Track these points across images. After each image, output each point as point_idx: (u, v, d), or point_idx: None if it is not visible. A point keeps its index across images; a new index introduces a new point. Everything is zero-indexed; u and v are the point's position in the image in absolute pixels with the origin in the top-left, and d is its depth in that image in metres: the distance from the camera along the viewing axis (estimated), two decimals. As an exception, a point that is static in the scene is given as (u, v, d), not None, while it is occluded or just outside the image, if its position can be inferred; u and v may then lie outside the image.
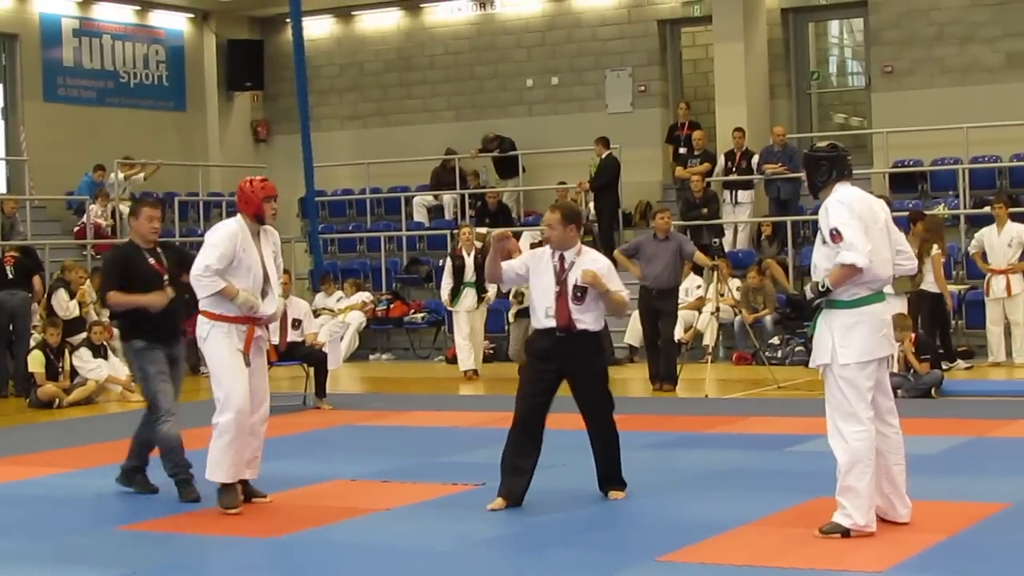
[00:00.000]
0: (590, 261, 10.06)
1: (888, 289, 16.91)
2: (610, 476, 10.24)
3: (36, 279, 19.99)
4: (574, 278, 9.92)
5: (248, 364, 10.13)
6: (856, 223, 8.43)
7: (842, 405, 8.53)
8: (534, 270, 10.14)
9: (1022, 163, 22.39)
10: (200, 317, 10.24)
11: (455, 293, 19.87)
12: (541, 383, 9.98)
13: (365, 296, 23.75)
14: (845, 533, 8.51)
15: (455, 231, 24.64)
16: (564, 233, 10.05)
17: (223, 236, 10.06)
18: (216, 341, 10.11)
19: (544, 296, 10.00)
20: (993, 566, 7.96)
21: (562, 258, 10.05)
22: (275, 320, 10.83)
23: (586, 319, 9.96)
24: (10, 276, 19.36)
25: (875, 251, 8.48)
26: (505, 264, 10.38)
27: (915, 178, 23.03)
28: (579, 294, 9.92)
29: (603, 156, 23.36)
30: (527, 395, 10.02)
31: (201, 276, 9.94)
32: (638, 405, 15.85)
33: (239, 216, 10.26)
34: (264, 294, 10.19)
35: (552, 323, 9.95)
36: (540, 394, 9.96)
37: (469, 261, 19.68)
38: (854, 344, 8.50)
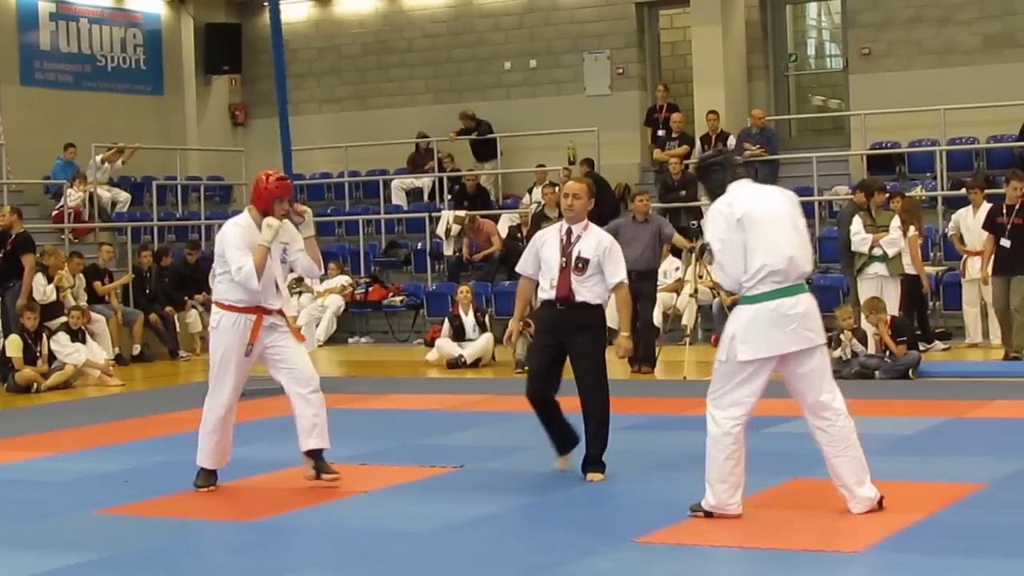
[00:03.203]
0: (596, 238, 10.33)
1: (882, 271, 17.12)
2: (592, 458, 10.30)
3: None
4: (577, 251, 10.21)
5: (248, 354, 10.18)
6: (727, 238, 8.48)
7: (717, 390, 8.59)
8: (542, 248, 10.44)
9: (999, 145, 22.44)
10: (213, 306, 10.40)
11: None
12: (544, 356, 10.37)
13: (344, 280, 23.74)
14: (707, 513, 8.63)
15: (434, 214, 24.67)
16: (587, 204, 10.39)
17: (233, 234, 10.10)
18: (224, 331, 10.19)
19: (549, 269, 10.30)
20: (969, 545, 7.99)
21: (570, 232, 10.33)
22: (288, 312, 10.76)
23: (585, 291, 10.23)
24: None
25: (771, 247, 8.44)
26: (522, 267, 10.72)
27: (893, 160, 23.06)
28: (580, 264, 10.21)
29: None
30: (532, 371, 10.53)
31: (237, 276, 9.99)
32: (617, 387, 15.66)
33: (248, 209, 10.27)
34: (274, 288, 10.19)
35: (553, 294, 10.25)
36: (543, 365, 10.35)
37: (467, 320, 19.46)
38: (750, 340, 8.47)
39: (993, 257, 17.32)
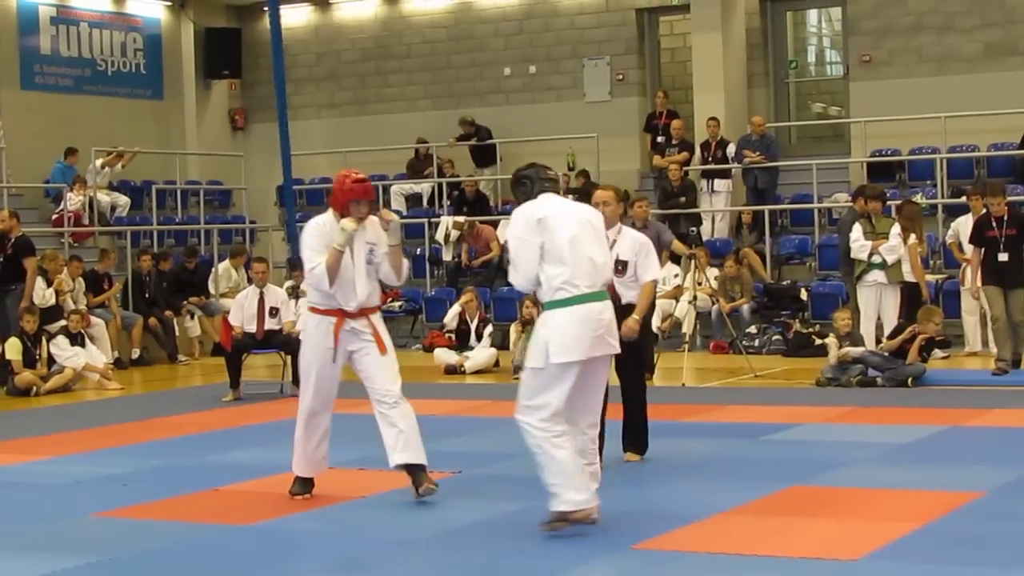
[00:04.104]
0: (631, 239, 10.74)
1: (881, 278, 17.06)
2: (632, 442, 11.06)
3: None
4: (616, 254, 10.45)
5: (334, 360, 10.01)
6: (524, 237, 8.65)
7: (525, 399, 8.63)
8: None
9: (999, 152, 22.46)
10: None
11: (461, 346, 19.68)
12: None
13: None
14: (563, 516, 8.62)
15: (433, 219, 24.67)
16: (617, 209, 10.68)
17: (312, 233, 10.02)
18: (308, 334, 10.16)
19: None
20: (967, 554, 7.98)
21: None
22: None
23: (628, 291, 10.59)
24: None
25: (576, 252, 8.59)
26: None
27: (893, 167, 23.07)
28: (620, 267, 10.53)
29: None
30: None
31: (309, 278, 10.00)
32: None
33: (331, 209, 10.16)
34: (354, 287, 10.05)
35: None
36: None
37: (473, 326, 19.49)
38: (564, 343, 8.52)
39: (984, 269, 16.84)
